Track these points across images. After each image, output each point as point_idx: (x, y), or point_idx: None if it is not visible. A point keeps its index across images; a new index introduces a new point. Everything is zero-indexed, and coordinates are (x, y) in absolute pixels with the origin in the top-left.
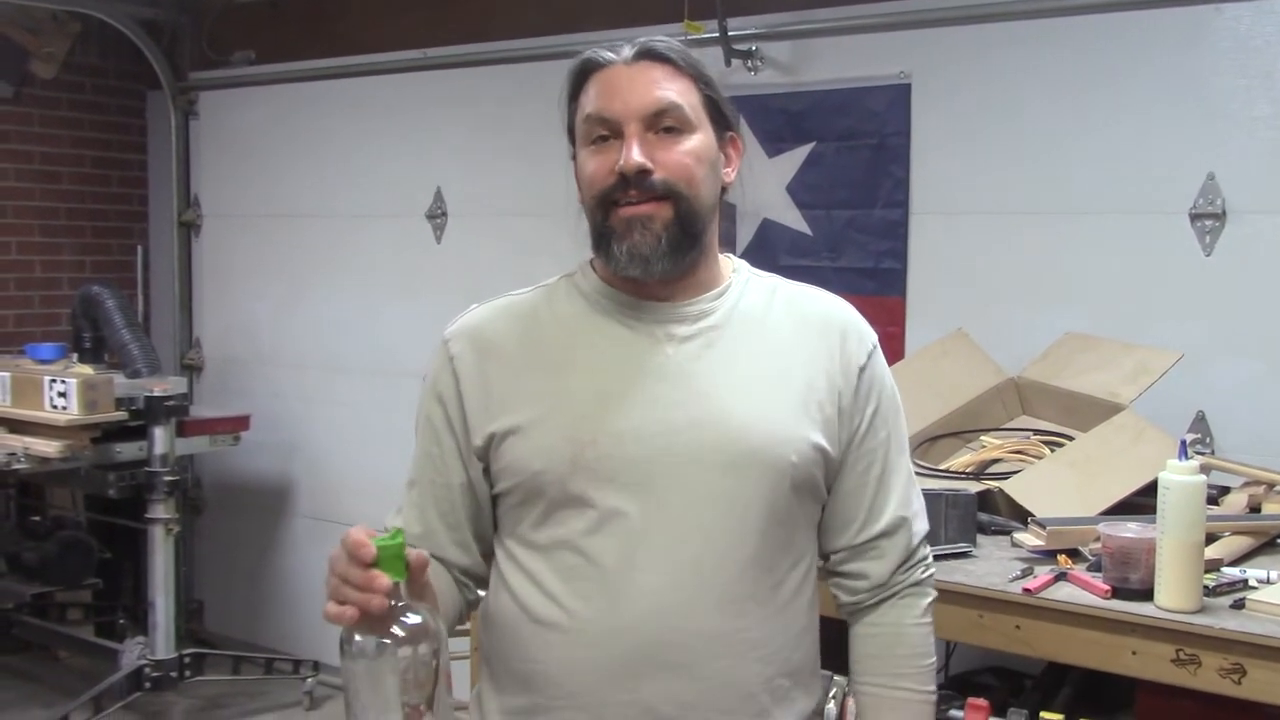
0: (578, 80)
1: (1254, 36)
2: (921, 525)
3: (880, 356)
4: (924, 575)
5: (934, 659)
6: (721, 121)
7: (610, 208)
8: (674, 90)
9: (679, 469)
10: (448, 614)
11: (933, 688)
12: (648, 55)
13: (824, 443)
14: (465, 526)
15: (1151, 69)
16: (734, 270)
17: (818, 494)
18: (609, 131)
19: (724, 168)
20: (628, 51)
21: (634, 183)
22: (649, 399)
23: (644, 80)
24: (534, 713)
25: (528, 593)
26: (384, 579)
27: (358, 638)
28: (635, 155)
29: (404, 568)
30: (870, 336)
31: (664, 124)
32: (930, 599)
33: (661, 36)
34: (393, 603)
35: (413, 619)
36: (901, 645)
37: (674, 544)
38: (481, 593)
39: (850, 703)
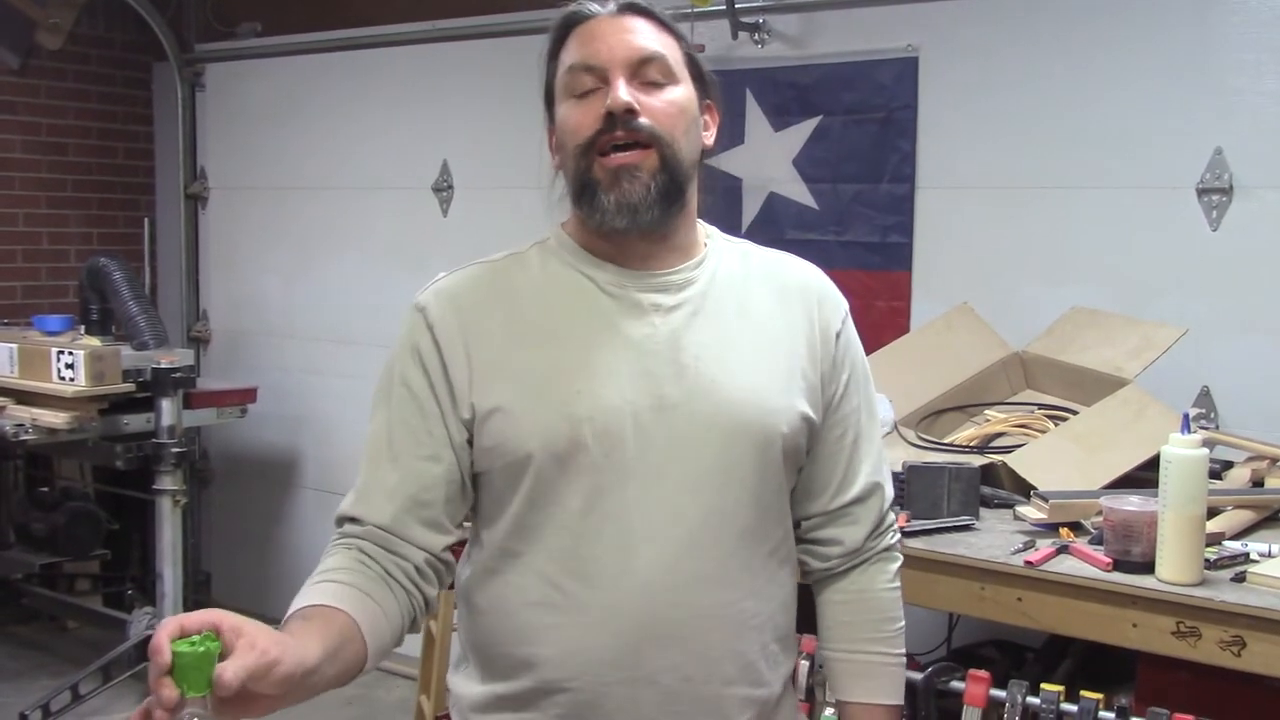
0: (559, 36)
1: (1263, 10)
2: (890, 490)
3: (851, 322)
4: (893, 540)
5: (903, 623)
6: (701, 85)
7: (594, 156)
8: (659, 43)
9: (673, 444)
10: (384, 644)
11: (902, 651)
12: (630, 9)
13: (809, 410)
14: (439, 505)
15: (1160, 43)
16: (708, 236)
17: (801, 461)
18: (593, 80)
19: (703, 130)
20: (611, 5)
21: (621, 123)
22: (639, 372)
23: (628, 29)
24: (531, 698)
25: (521, 576)
26: (169, 692)
27: None
28: (623, 94)
29: (207, 681)
30: (843, 303)
31: (648, 74)
32: (898, 563)
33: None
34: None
35: None
36: (872, 610)
37: (670, 520)
38: (432, 592)
39: (802, 664)
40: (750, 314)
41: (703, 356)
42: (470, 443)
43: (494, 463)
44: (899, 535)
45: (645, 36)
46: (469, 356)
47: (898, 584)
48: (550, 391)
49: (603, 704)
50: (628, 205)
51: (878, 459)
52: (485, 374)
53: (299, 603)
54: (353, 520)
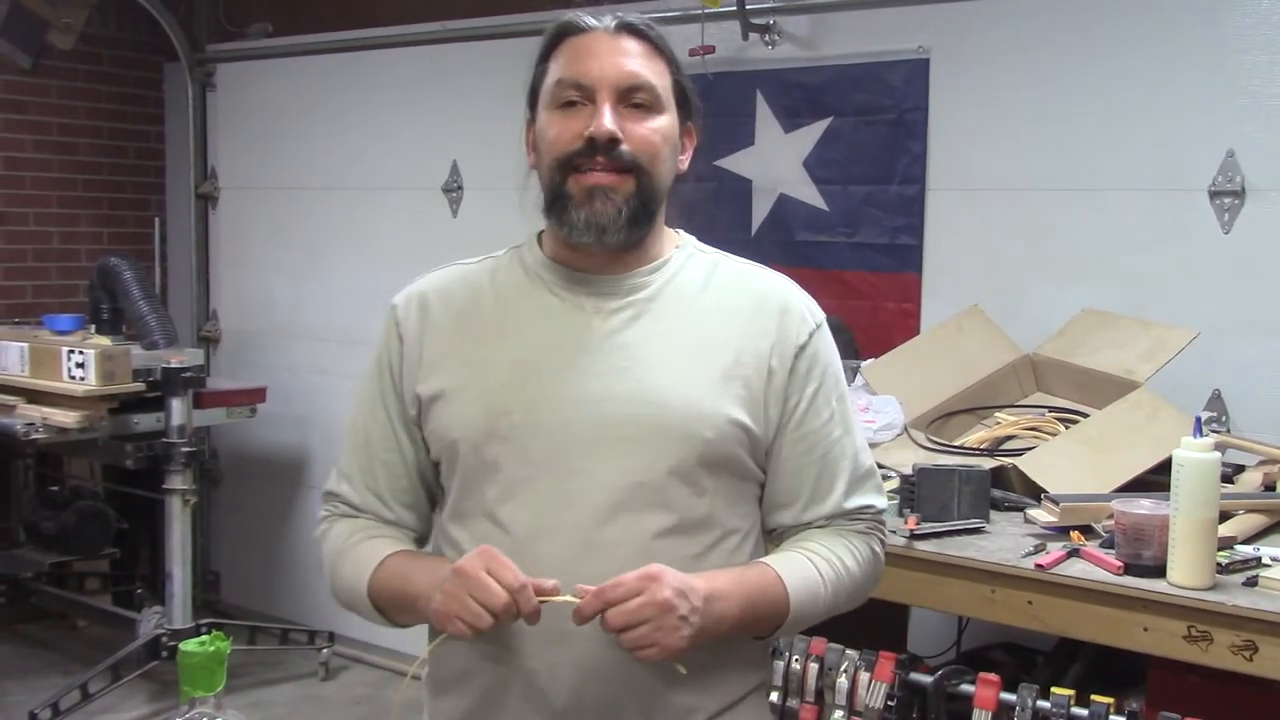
0: (552, 42)
1: (1276, 12)
2: (879, 502)
3: (824, 337)
4: (866, 530)
5: (853, 572)
6: (685, 110)
7: (570, 172)
8: (649, 70)
9: (591, 440)
10: None
11: (833, 579)
12: (628, 29)
13: (746, 420)
14: (416, 490)
15: (1172, 44)
16: (677, 246)
17: (740, 471)
18: (580, 96)
19: (679, 154)
20: (609, 21)
21: (602, 150)
22: (567, 370)
23: (622, 52)
24: (466, 677)
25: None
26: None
27: None
28: (608, 122)
29: (215, 681)
30: (814, 316)
31: (635, 99)
32: (872, 543)
33: (637, 15)
34: None
35: None
36: (818, 536)
37: (583, 514)
38: None
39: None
40: (697, 320)
41: (635, 358)
42: (421, 426)
43: (435, 448)
44: (881, 530)
45: (637, 62)
46: (421, 350)
47: (866, 552)
48: (477, 384)
49: (511, 690)
50: (596, 225)
51: (853, 478)
52: (432, 366)
53: (379, 554)
54: (337, 496)
